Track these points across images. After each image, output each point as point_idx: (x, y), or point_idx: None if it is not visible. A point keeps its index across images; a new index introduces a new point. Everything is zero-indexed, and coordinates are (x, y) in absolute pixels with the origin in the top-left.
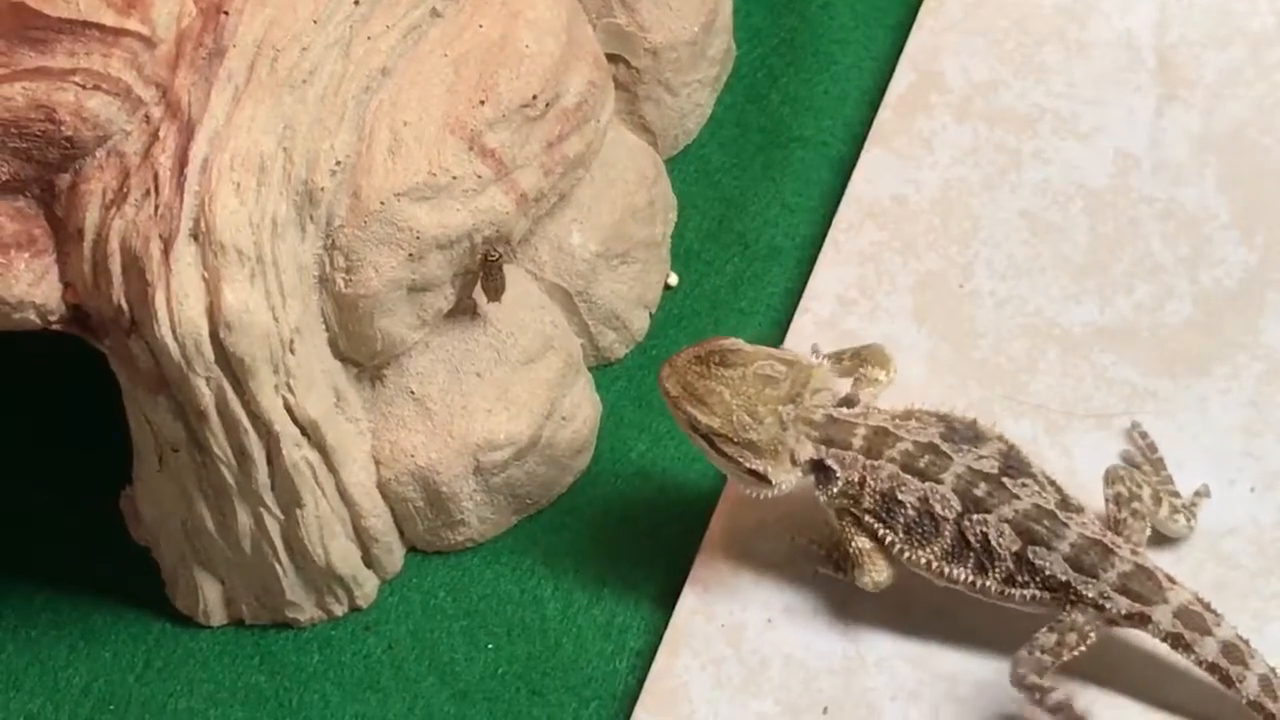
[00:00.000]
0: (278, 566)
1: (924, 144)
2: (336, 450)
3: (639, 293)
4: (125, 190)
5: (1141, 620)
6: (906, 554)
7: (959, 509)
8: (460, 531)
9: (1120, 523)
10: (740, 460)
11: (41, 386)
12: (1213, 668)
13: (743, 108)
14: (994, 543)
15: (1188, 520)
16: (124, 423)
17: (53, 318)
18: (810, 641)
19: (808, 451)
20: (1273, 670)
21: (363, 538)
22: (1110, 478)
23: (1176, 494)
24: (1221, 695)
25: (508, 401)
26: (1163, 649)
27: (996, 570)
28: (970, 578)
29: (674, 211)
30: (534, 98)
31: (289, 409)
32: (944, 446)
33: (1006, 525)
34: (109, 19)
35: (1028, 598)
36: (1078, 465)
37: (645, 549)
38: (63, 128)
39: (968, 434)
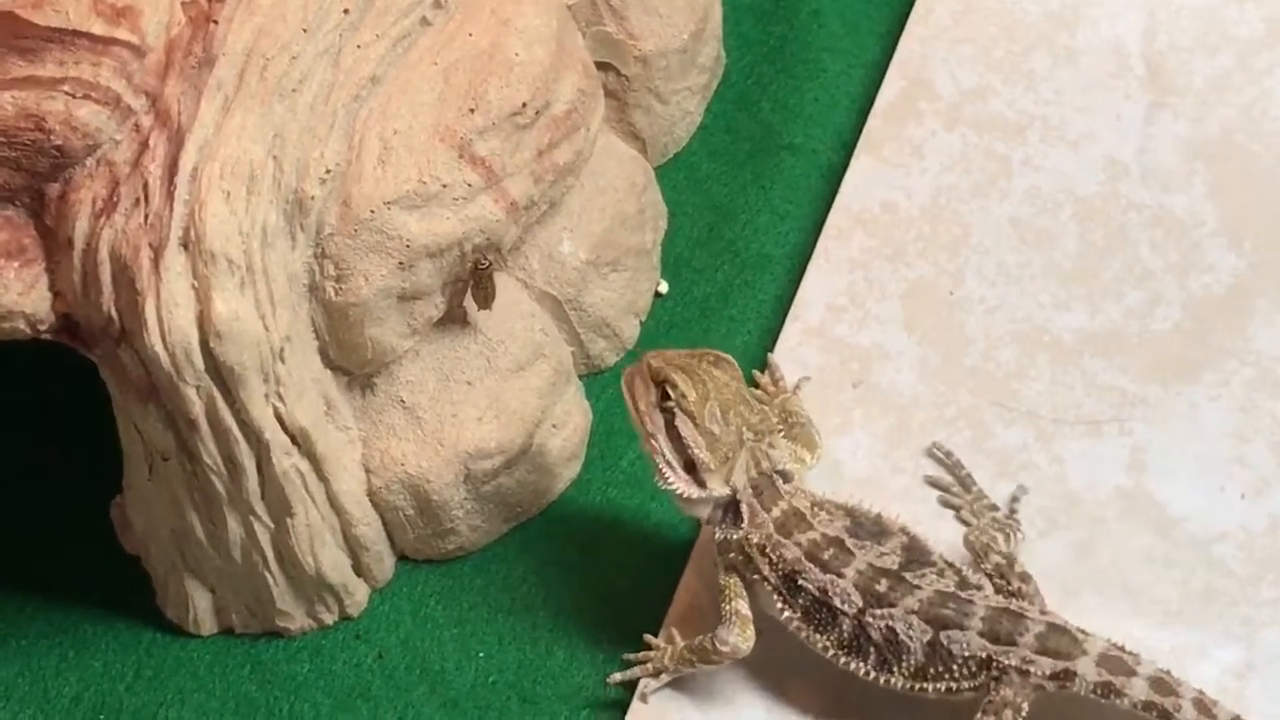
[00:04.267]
0: (268, 575)
1: (913, 151)
2: (327, 459)
3: (629, 300)
4: (115, 199)
5: (1067, 677)
6: (804, 634)
7: (859, 605)
8: (451, 540)
9: (1016, 593)
10: (691, 445)
11: (30, 395)
12: (1148, 705)
13: (732, 115)
14: (903, 636)
15: (1009, 538)
16: (114, 431)
17: (42, 327)
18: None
19: (740, 483)
20: (1201, 691)
21: (353, 546)
22: (978, 551)
23: (995, 507)
24: None
25: (498, 410)
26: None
27: (904, 665)
28: (871, 673)
29: (664, 219)
30: (524, 105)
31: (279, 417)
32: (848, 542)
33: (914, 616)
34: (98, 28)
35: (942, 690)
36: (1068, 473)
37: (636, 556)
38: (52, 137)
39: (873, 529)
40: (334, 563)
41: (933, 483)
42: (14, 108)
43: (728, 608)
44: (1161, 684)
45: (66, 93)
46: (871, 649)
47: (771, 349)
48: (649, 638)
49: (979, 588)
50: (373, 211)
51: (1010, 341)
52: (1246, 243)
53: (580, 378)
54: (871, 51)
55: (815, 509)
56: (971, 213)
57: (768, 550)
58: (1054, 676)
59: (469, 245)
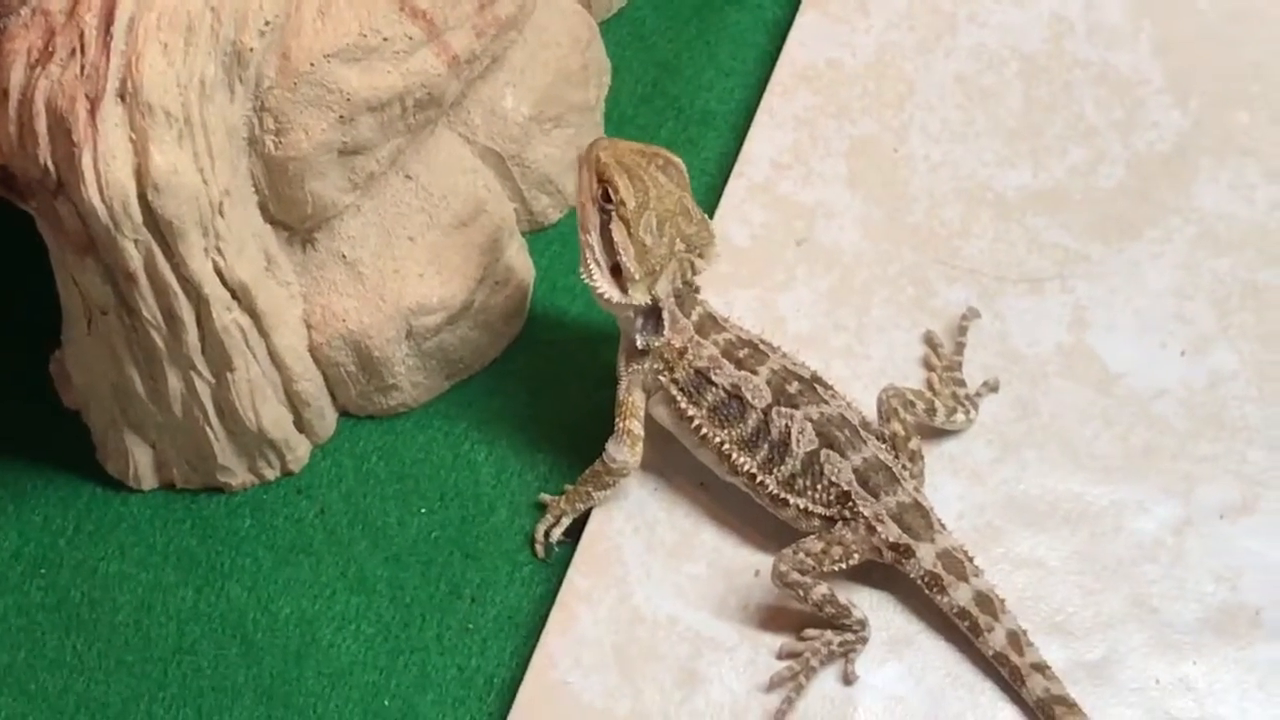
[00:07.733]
0: (208, 430)
1: (859, 8)
2: (267, 314)
3: (572, 157)
4: (51, 49)
5: (905, 553)
6: (705, 431)
7: (769, 400)
8: (393, 396)
9: (904, 467)
10: (621, 252)
11: None
12: (963, 614)
13: None
14: (793, 437)
15: (967, 414)
16: (52, 285)
17: None
18: (742, 506)
19: (664, 293)
20: (1023, 630)
21: (294, 402)
22: (885, 412)
23: (963, 382)
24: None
25: (440, 265)
26: None
27: (782, 468)
28: (754, 470)
29: (607, 75)
30: None
31: (219, 272)
32: (762, 346)
33: (809, 424)
34: None
35: (801, 508)
36: (1010, 329)
37: (578, 414)
38: None
39: (779, 350)
40: (275, 418)
41: (929, 339)
42: None
43: (623, 424)
44: (986, 601)
45: None
46: (765, 446)
47: (715, 206)
48: (544, 496)
49: (879, 436)
50: (312, 65)
51: (954, 199)
52: (1191, 101)
53: (523, 234)
54: None
55: (724, 319)
56: (916, 70)
57: (689, 351)
58: (894, 547)
59: (410, 99)
